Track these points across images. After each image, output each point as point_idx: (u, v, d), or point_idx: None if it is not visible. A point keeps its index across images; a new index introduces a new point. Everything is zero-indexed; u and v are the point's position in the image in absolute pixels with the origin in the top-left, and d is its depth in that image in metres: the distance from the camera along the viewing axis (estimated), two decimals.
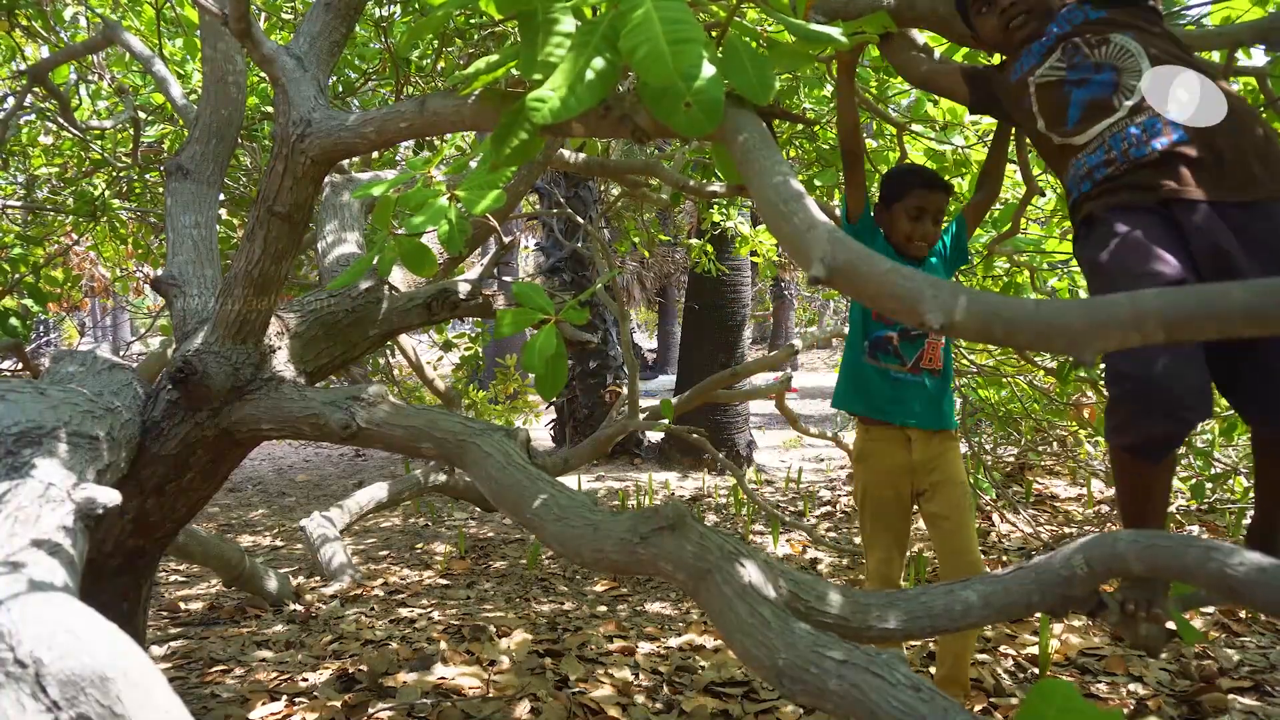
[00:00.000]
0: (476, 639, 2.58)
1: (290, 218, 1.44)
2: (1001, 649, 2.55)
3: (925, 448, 2.05)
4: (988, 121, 2.75)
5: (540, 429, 8.48)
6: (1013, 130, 1.98)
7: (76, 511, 1.03)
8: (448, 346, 5.08)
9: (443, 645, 2.51)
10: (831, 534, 4.42)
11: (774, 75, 1.01)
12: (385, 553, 4.22)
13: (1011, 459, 5.57)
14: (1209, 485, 3.64)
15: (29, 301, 2.87)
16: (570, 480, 6.02)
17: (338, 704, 2.07)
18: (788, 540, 4.24)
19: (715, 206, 4.70)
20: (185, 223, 1.86)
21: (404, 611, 2.98)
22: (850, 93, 1.89)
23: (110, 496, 1.07)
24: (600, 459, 6.83)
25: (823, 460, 7.34)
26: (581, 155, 3.27)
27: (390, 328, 1.88)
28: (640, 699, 2.17)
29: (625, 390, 3.84)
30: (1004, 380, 4.40)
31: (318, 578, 3.45)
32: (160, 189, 4.32)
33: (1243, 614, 2.76)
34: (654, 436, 7.29)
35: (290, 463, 7.96)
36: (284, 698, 2.12)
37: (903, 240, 2.03)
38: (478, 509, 5.12)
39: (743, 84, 0.98)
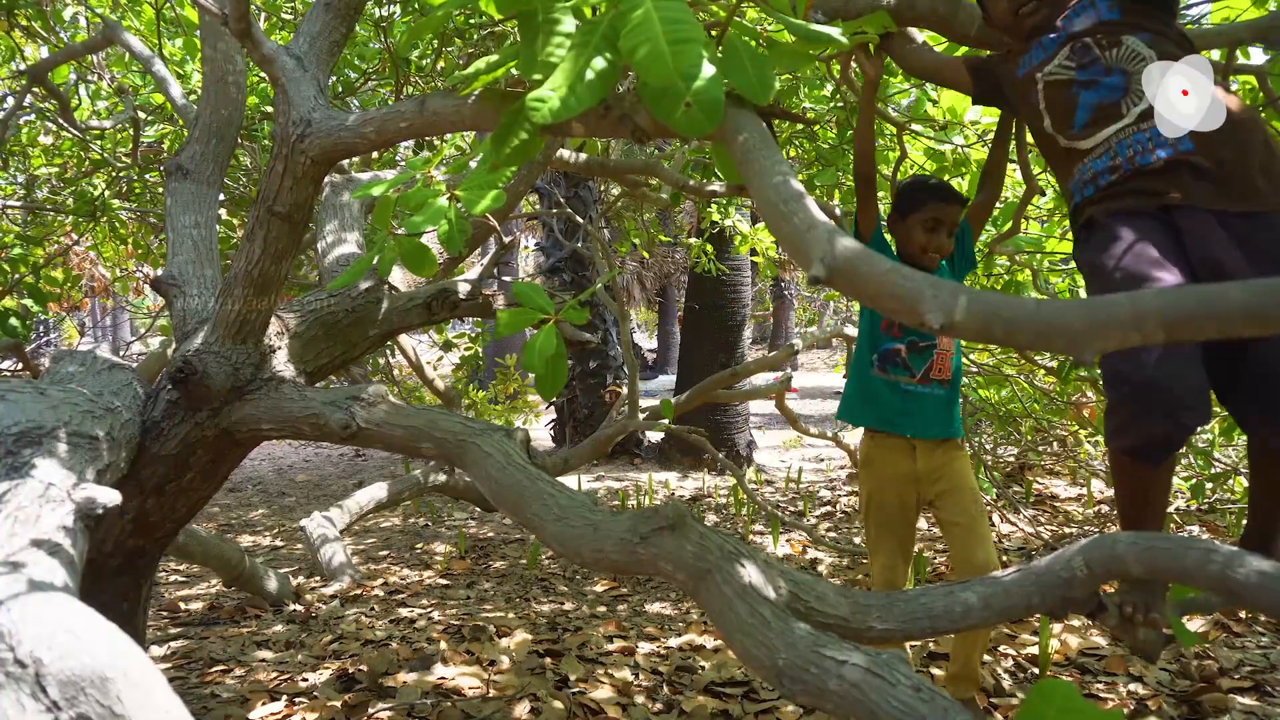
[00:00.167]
0: (476, 639, 2.58)
1: (290, 218, 1.44)
2: (1001, 649, 2.54)
3: (929, 457, 2.04)
4: (987, 121, 2.75)
5: (540, 429, 8.48)
6: (1013, 129, 1.98)
7: (76, 511, 1.03)
8: (448, 346, 5.08)
9: (443, 645, 2.51)
10: (831, 534, 4.42)
11: (774, 75, 1.01)
12: (385, 553, 4.22)
13: (1011, 459, 5.57)
14: (1209, 485, 3.64)
15: (29, 301, 2.87)
16: (570, 480, 6.02)
17: (338, 704, 2.07)
18: (788, 540, 4.24)
19: (714, 205, 4.70)
20: (185, 223, 1.86)
21: (404, 611, 2.98)
22: (871, 115, 1.91)
23: (110, 496, 1.07)
24: (600, 459, 6.83)
25: (823, 460, 7.34)
26: (581, 155, 3.27)
27: (390, 328, 1.88)
28: (640, 699, 2.17)
29: (625, 390, 3.84)
30: (1004, 380, 4.39)
31: (318, 578, 3.45)
32: (160, 189, 4.32)
33: (1243, 614, 2.76)
34: (654, 436, 7.29)
35: (290, 463, 7.96)
36: (284, 698, 2.12)
37: (917, 252, 2.04)
38: (478, 509, 5.12)
39: (743, 84, 0.98)
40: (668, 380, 13.74)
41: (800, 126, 3.23)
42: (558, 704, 2.07)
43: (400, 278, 1.99)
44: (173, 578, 3.75)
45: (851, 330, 4.31)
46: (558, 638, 2.63)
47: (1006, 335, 0.71)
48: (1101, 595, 1.00)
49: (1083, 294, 2.79)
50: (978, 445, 4.84)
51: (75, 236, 5.27)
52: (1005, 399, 4.66)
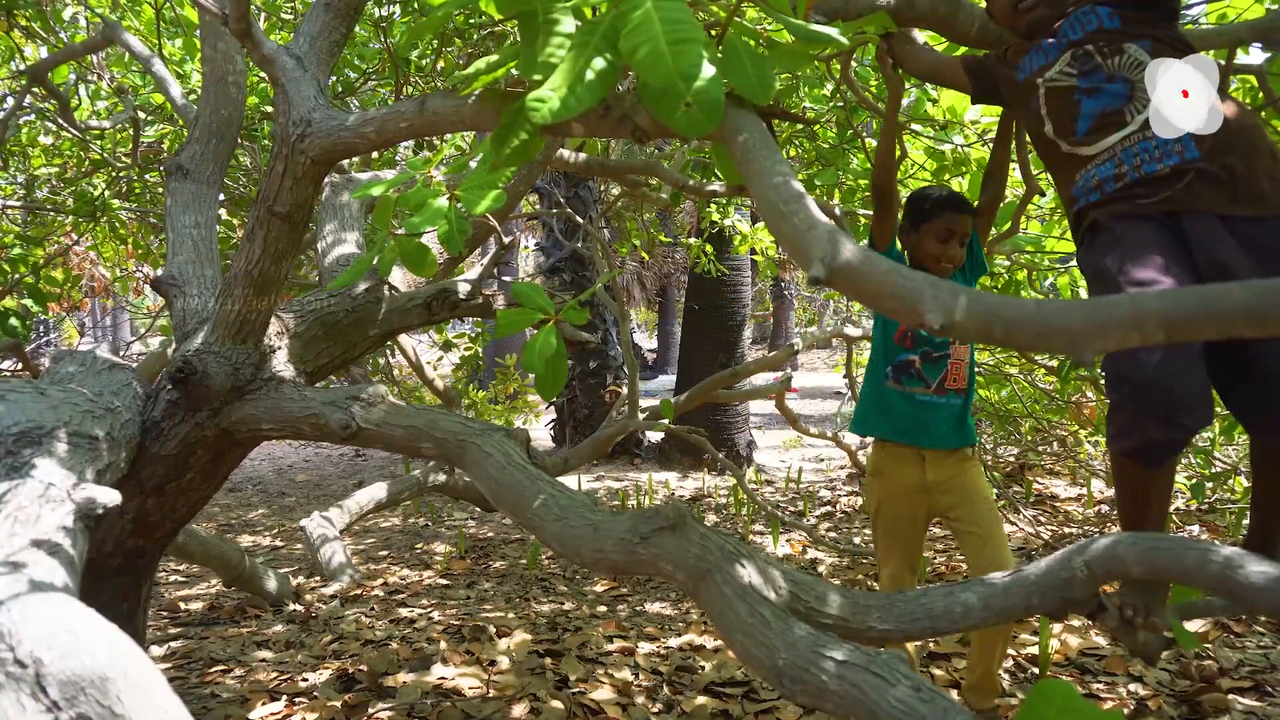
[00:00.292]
0: (476, 639, 2.58)
1: (290, 218, 1.44)
2: None
3: (940, 468, 2.03)
4: (987, 121, 2.75)
5: (540, 429, 8.47)
6: (1014, 129, 1.98)
7: (76, 511, 1.03)
8: (448, 346, 5.08)
9: (443, 645, 2.51)
10: (831, 534, 4.42)
11: (774, 75, 1.01)
12: (385, 553, 4.22)
13: (1012, 459, 5.57)
14: (1209, 485, 3.64)
15: (29, 301, 2.87)
16: (570, 480, 6.02)
17: (338, 704, 2.07)
18: (788, 540, 4.24)
19: (714, 206, 4.70)
20: (185, 223, 1.86)
21: (404, 611, 2.98)
22: (894, 130, 1.92)
23: (110, 496, 1.07)
24: (600, 459, 6.83)
25: (823, 460, 7.34)
26: (581, 155, 3.27)
27: (390, 328, 1.88)
28: (640, 699, 2.17)
29: (625, 390, 3.84)
30: (1004, 379, 4.39)
31: (318, 578, 3.45)
32: (160, 189, 4.32)
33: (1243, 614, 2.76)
34: (654, 436, 7.29)
35: (290, 463, 7.96)
36: (284, 698, 2.12)
37: (931, 262, 2.03)
38: (478, 509, 5.12)
39: (743, 84, 0.98)
40: (668, 380, 13.75)
41: (800, 126, 3.23)
42: (557, 704, 2.07)
43: (400, 278, 1.99)
44: (173, 578, 3.75)
45: (851, 330, 4.31)
46: (557, 638, 2.63)
47: (1006, 335, 0.71)
48: (1101, 596, 1.00)
49: (1083, 295, 2.79)
50: (978, 445, 4.84)
51: (75, 236, 5.28)
52: (1005, 399, 4.66)
